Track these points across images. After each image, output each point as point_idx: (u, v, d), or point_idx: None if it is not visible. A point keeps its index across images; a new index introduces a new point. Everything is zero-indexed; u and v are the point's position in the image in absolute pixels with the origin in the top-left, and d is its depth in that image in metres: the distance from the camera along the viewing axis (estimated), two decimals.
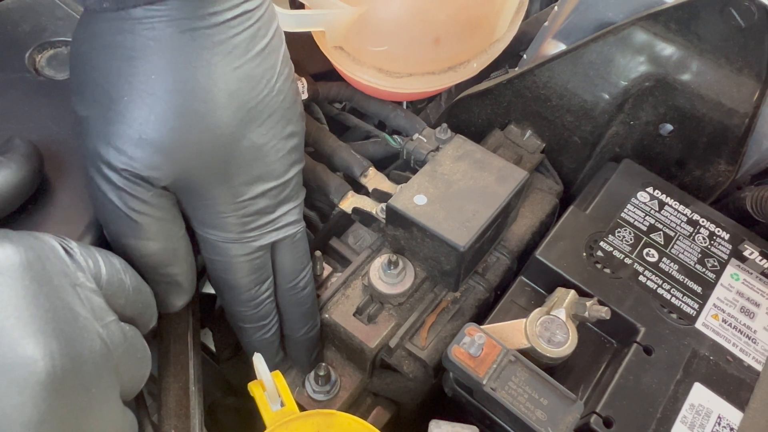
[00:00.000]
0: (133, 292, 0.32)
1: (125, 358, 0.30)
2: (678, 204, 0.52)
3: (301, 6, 0.52)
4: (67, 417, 0.26)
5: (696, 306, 0.46)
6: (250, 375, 0.39)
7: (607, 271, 0.47)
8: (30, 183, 0.33)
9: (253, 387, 0.38)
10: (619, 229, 0.49)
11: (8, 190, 0.32)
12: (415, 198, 0.45)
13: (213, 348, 0.61)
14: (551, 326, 0.42)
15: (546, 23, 0.57)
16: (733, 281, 0.48)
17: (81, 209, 0.35)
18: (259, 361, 0.38)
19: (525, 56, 0.60)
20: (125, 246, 0.35)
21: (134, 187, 0.33)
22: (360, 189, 0.52)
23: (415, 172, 0.50)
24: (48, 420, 0.25)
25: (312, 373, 0.46)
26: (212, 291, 0.61)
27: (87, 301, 0.28)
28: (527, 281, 0.49)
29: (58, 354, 0.25)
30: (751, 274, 0.48)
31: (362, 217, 0.51)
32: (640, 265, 0.47)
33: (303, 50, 0.61)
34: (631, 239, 0.49)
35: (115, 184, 0.33)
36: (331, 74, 0.59)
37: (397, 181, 0.52)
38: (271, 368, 0.42)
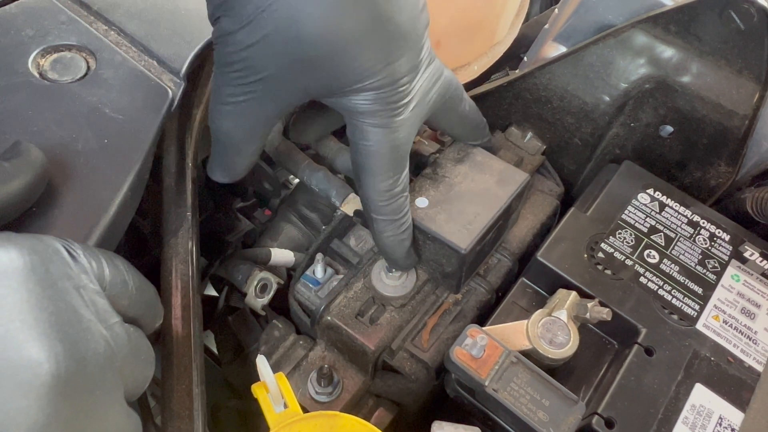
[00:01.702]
0: (136, 292, 0.32)
1: (129, 359, 0.30)
2: (678, 205, 0.52)
3: None
4: (72, 419, 0.26)
5: (697, 307, 0.46)
6: (253, 377, 0.39)
7: (608, 272, 0.47)
8: (35, 188, 0.33)
9: (256, 389, 0.38)
10: (619, 231, 0.50)
11: (14, 196, 0.32)
12: (416, 201, 0.45)
13: (215, 350, 0.61)
14: (553, 327, 0.42)
15: (546, 26, 0.58)
16: (733, 282, 0.48)
17: (85, 212, 0.36)
18: (262, 363, 0.38)
19: (525, 58, 0.60)
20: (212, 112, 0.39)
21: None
22: None
23: (416, 174, 0.50)
24: (53, 422, 0.25)
25: (314, 375, 0.46)
26: (214, 293, 0.62)
27: (91, 304, 0.28)
28: (528, 283, 0.49)
29: (63, 357, 0.26)
30: (752, 275, 0.48)
31: (364, 219, 0.51)
32: (641, 266, 0.48)
33: None
34: (631, 241, 0.49)
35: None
36: None
37: None
38: (405, 267, 0.45)
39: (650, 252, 0.49)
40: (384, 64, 0.37)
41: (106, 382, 0.28)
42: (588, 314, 0.43)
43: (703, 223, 0.51)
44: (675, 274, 0.47)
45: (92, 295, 0.29)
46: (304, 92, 0.38)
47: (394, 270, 0.46)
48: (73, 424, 0.26)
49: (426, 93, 0.41)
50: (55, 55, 0.41)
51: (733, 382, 0.42)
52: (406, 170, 0.42)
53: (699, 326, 0.45)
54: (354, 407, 0.47)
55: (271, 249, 0.56)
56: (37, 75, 0.40)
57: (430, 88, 0.41)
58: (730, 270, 0.48)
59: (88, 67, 0.41)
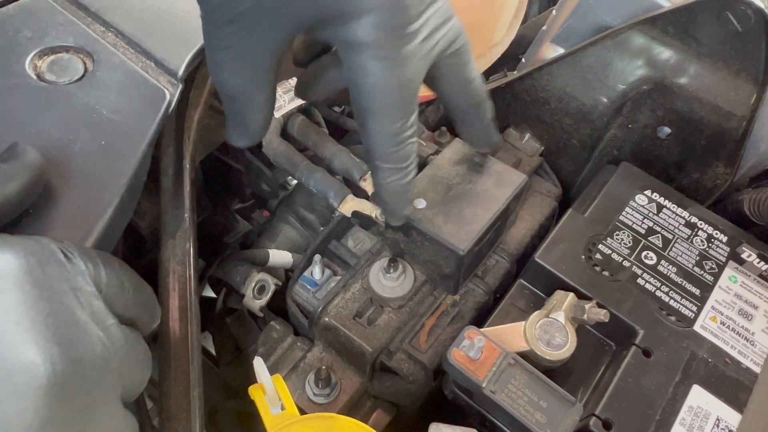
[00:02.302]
0: (133, 293, 0.32)
1: (126, 361, 0.30)
2: (676, 207, 0.52)
3: None
4: (69, 421, 0.26)
5: (694, 308, 0.46)
6: (251, 378, 0.39)
7: (606, 273, 0.47)
8: (32, 190, 0.33)
9: (253, 390, 0.38)
10: (617, 232, 0.50)
11: (11, 198, 0.32)
12: (414, 202, 0.45)
13: (213, 351, 0.61)
14: (550, 329, 0.42)
15: (544, 27, 0.58)
16: (731, 283, 0.48)
17: (83, 214, 0.36)
18: (259, 365, 0.38)
19: (523, 59, 0.60)
20: (211, 73, 0.36)
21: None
22: (359, 192, 0.52)
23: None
24: (49, 425, 0.25)
25: (312, 376, 0.46)
26: (212, 294, 0.62)
27: (87, 305, 0.28)
28: (526, 284, 0.49)
29: (59, 359, 0.26)
30: (749, 276, 0.48)
31: (362, 220, 0.51)
32: (639, 267, 0.48)
33: None
34: (629, 242, 0.49)
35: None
36: None
37: None
38: (401, 219, 0.42)
39: (648, 253, 0.49)
40: None
41: (103, 384, 0.28)
42: (585, 316, 0.43)
43: (701, 224, 0.51)
44: (672, 276, 0.47)
45: (88, 296, 0.29)
46: (298, 20, 0.34)
47: (392, 271, 0.46)
48: (69, 427, 0.26)
49: (435, 28, 0.36)
50: (52, 57, 0.41)
51: (731, 383, 0.42)
52: (416, 113, 0.37)
53: (696, 328, 0.45)
54: (352, 409, 0.47)
55: (269, 250, 0.56)
56: (35, 76, 0.40)
57: (440, 24, 0.36)
58: (728, 271, 0.48)
59: (86, 69, 0.41)
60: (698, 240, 0.50)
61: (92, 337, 0.28)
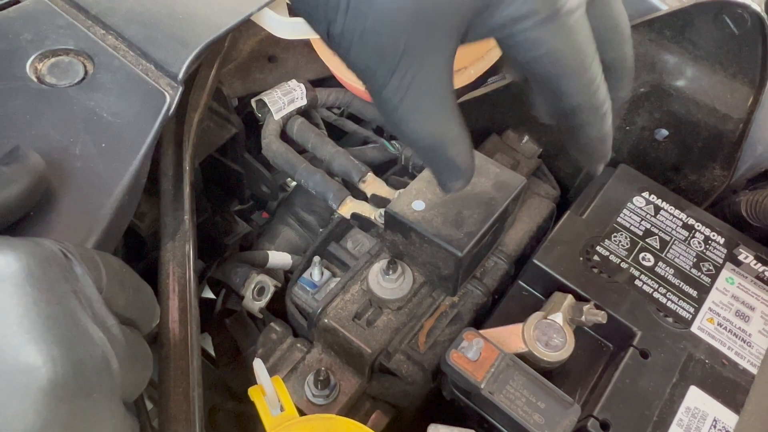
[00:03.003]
0: (133, 292, 0.32)
1: (126, 361, 0.30)
2: (673, 208, 0.52)
3: None
4: (69, 423, 0.26)
5: (692, 310, 0.46)
6: (250, 380, 0.39)
7: (604, 275, 0.47)
8: (34, 193, 0.33)
9: (253, 392, 0.39)
10: (615, 234, 0.50)
11: (13, 201, 0.32)
12: (413, 203, 0.45)
13: (213, 353, 0.61)
14: (548, 330, 0.42)
15: None
16: (728, 285, 0.48)
17: (83, 216, 0.36)
18: (259, 366, 0.38)
19: None
20: (401, 133, 0.33)
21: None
22: (359, 194, 0.53)
23: (413, 177, 0.51)
24: (50, 426, 0.25)
25: (311, 378, 0.46)
26: (211, 295, 0.62)
27: (88, 306, 0.28)
28: (525, 286, 0.49)
29: (60, 361, 0.26)
30: (746, 277, 0.49)
31: (361, 222, 0.51)
32: (636, 269, 0.48)
33: (301, 56, 0.62)
34: (627, 244, 0.49)
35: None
36: (329, 80, 0.60)
37: (396, 186, 0.52)
38: (605, 158, 0.38)
39: (645, 255, 0.49)
40: None
41: (104, 386, 0.28)
42: (583, 317, 0.43)
43: (698, 226, 0.51)
44: (670, 277, 0.48)
45: (89, 297, 0.29)
46: (457, 16, 0.32)
47: (391, 272, 0.46)
48: (70, 428, 0.26)
49: None
50: (52, 60, 0.41)
51: (728, 384, 0.43)
52: (597, 61, 0.34)
53: (694, 329, 0.45)
54: (351, 410, 0.47)
55: (268, 252, 0.57)
56: (35, 79, 0.40)
57: None
58: (725, 273, 0.49)
59: (86, 72, 0.41)
60: (695, 242, 0.50)
61: (93, 339, 0.28)
